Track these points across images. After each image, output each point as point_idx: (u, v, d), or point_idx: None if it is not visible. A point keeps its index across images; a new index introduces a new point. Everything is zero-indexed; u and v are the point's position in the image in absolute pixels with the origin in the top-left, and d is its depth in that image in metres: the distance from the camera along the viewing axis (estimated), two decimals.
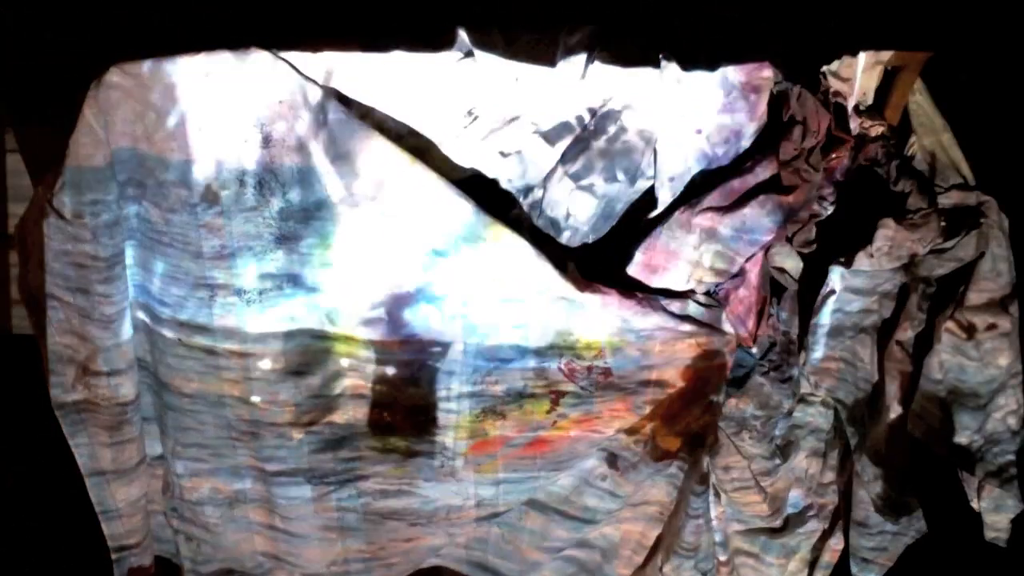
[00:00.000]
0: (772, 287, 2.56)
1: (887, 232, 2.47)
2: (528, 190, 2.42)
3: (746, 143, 2.41)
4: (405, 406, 2.49)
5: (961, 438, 2.51)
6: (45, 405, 2.41)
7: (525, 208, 2.43)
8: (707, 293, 2.48)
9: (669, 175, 2.42)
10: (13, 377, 2.86)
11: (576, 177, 2.42)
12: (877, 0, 2.47)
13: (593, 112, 2.38)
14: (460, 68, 2.29)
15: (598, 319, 2.39)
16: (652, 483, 2.61)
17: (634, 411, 2.52)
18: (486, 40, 2.29)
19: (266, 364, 2.42)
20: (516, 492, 2.60)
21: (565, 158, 2.40)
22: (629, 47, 2.33)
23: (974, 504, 2.55)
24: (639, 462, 2.58)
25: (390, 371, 2.46)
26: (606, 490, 2.62)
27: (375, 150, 2.25)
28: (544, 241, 2.42)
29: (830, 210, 2.54)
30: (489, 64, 2.29)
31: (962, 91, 2.57)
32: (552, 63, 2.30)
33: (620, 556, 2.75)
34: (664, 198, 2.43)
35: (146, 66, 2.21)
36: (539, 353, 2.44)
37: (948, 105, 2.54)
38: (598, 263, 2.46)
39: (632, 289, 2.43)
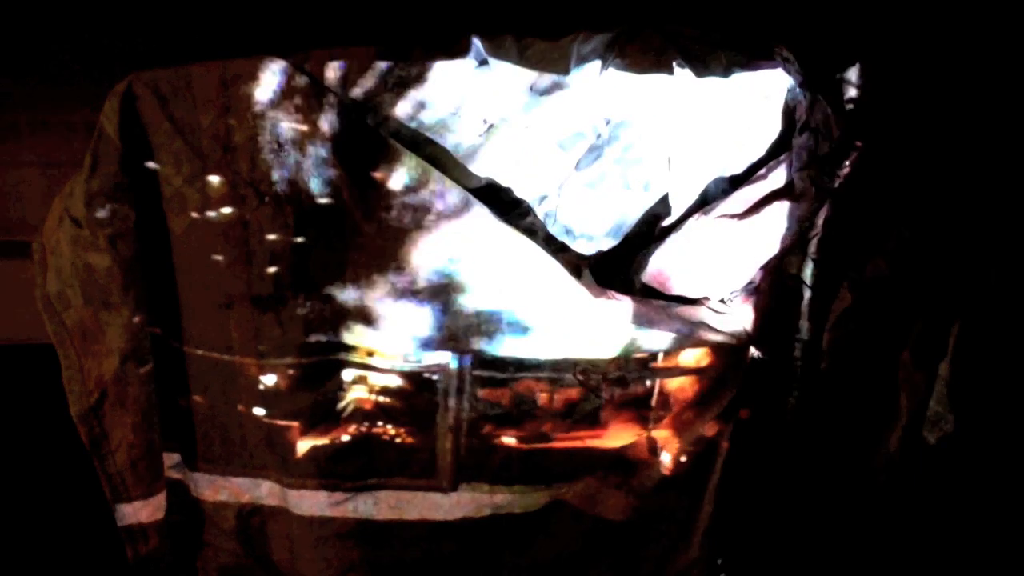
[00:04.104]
0: (787, 294, 2.56)
1: None
2: (543, 198, 2.43)
3: (760, 150, 2.42)
4: (420, 417, 2.50)
5: None
6: (47, 409, 2.43)
7: (540, 216, 2.43)
8: (721, 301, 2.49)
9: (683, 183, 2.42)
10: (13, 384, 2.88)
11: (591, 185, 2.42)
12: (883, 6, 2.46)
13: (607, 120, 2.38)
14: (475, 76, 2.30)
15: (612, 327, 2.40)
16: (667, 492, 2.62)
17: (648, 420, 2.52)
18: (501, 48, 2.30)
19: (280, 374, 2.43)
20: (531, 499, 2.61)
21: (580, 166, 2.41)
22: (643, 55, 2.33)
23: None
24: (653, 470, 2.59)
25: (403, 382, 2.47)
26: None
27: (391, 158, 2.26)
28: (558, 249, 2.44)
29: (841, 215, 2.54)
30: (504, 72, 2.30)
31: (969, 92, 2.56)
32: (566, 71, 2.30)
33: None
34: (678, 206, 2.43)
35: (163, 76, 2.22)
36: (553, 363, 2.45)
37: (957, 106, 2.53)
38: (612, 270, 2.47)
39: (646, 297, 2.44)
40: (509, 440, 2.55)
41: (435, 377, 2.48)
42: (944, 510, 2.69)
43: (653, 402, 2.52)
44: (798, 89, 2.39)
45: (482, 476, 2.59)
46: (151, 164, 2.28)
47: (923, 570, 2.75)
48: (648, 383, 2.51)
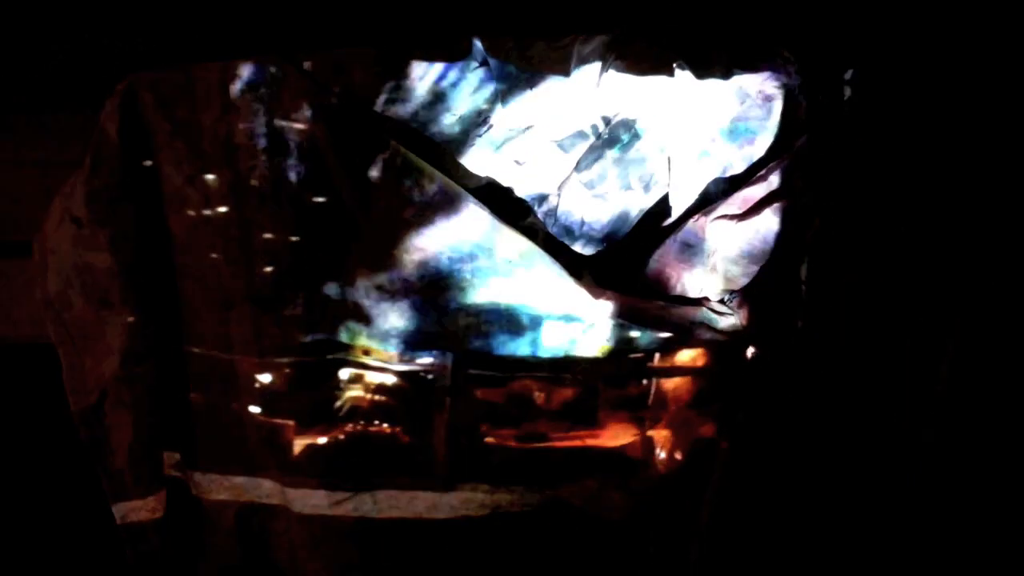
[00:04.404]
0: (785, 294, 2.56)
1: None
2: (543, 198, 2.43)
3: (760, 151, 2.42)
4: (417, 416, 2.50)
5: None
6: (47, 409, 2.44)
7: (540, 216, 2.43)
8: (720, 301, 2.49)
9: (683, 183, 2.43)
10: (13, 384, 2.89)
11: (591, 185, 2.42)
12: (882, 7, 2.47)
13: (607, 121, 2.38)
14: (476, 77, 2.30)
15: (611, 328, 2.40)
16: (666, 492, 2.62)
17: (645, 419, 2.52)
18: (501, 49, 2.30)
19: (279, 373, 2.43)
20: (530, 498, 2.61)
21: (580, 166, 2.41)
22: (643, 56, 2.34)
23: None
24: (651, 470, 2.59)
25: (400, 382, 2.47)
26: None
27: (390, 159, 2.26)
28: (559, 249, 2.43)
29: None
30: (504, 73, 2.30)
31: (968, 92, 2.56)
32: (567, 72, 2.30)
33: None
34: (678, 206, 2.44)
35: (164, 76, 2.22)
36: (551, 362, 2.45)
37: (956, 106, 2.53)
38: (612, 270, 2.47)
39: (647, 297, 2.44)
40: (507, 439, 2.55)
41: (432, 376, 2.47)
42: (944, 510, 2.70)
43: (651, 401, 2.52)
44: (798, 90, 2.39)
45: (480, 476, 2.58)
46: (151, 164, 2.28)
47: (922, 570, 2.75)
48: (646, 383, 2.51)
